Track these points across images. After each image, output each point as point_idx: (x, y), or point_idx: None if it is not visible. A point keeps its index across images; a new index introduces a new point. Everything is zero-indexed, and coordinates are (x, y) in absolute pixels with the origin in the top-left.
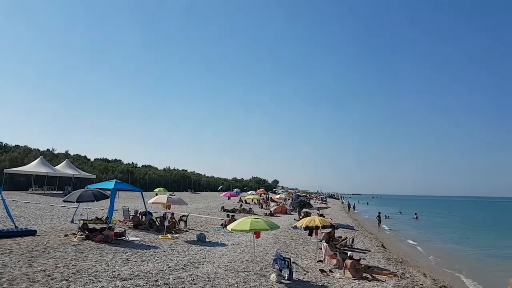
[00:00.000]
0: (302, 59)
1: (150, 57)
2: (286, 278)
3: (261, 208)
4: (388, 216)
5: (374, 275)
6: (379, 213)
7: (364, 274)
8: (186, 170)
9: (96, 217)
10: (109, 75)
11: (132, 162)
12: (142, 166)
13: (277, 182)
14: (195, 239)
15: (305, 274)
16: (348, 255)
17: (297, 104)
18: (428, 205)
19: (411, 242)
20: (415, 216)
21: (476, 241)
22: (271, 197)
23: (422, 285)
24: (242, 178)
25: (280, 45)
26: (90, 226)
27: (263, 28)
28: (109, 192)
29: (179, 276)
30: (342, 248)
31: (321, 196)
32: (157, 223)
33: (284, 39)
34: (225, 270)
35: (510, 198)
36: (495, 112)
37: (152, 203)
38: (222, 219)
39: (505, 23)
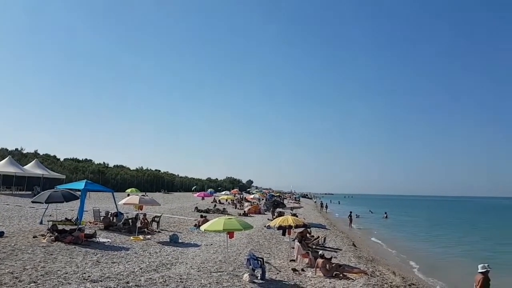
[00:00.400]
0: (278, 58)
1: (117, 54)
2: (259, 277)
3: (235, 208)
4: (359, 216)
5: (345, 273)
6: (351, 212)
7: (335, 273)
8: (159, 170)
9: (66, 218)
10: (76, 74)
11: (104, 162)
12: (114, 166)
13: (252, 182)
14: (168, 240)
15: (277, 273)
16: (320, 254)
17: (269, 104)
18: (401, 204)
19: (379, 241)
20: (385, 215)
21: (439, 238)
22: (245, 197)
23: (391, 283)
24: (217, 178)
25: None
26: (60, 227)
27: (229, 24)
28: (79, 193)
29: (150, 278)
30: (314, 247)
31: (294, 196)
32: (129, 223)
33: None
34: (198, 271)
35: (491, 197)
36: (478, 112)
37: (124, 204)
38: (195, 220)
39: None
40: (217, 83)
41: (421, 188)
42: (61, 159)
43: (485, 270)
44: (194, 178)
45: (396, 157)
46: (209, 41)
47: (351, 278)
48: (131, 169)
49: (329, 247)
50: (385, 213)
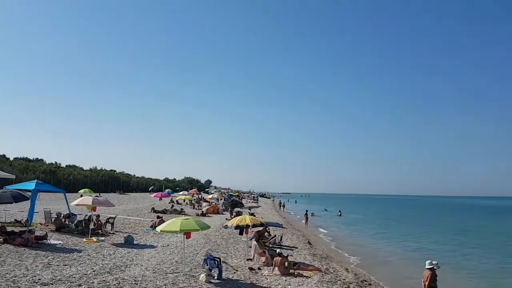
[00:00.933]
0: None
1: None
2: (215, 277)
3: (193, 208)
4: (314, 214)
5: (300, 271)
6: (307, 211)
7: (291, 271)
8: (115, 171)
9: (15, 220)
10: (28, 68)
11: (55, 162)
12: (66, 166)
13: (210, 182)
14: (123, 241)
15: (234, 273)
16: (278, 252)
17: (225, 103)
18: (356, 203)
19: (332, 238)
20: (339, 213)
21: (388, 234)
22: (203, 197)
23: (344, 279)
24: (174, 179)
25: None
26: (9, 229)
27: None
28: (30, 193)
29: (104, 280)
30: (271, 246)
31: (252, 195)
32: (82, 225)
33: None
34: (153, 273)
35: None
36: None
37: (77, 205)
38: (152, 221)
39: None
40: (172, 81)
41: (380, 188)
42: (11, 159)
43: (431, 266)
44: (151, 179)
45: (355, 156)
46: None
47: (306, 276)
48: (85, 169)
49: (285, 246)
50: (340, 211)
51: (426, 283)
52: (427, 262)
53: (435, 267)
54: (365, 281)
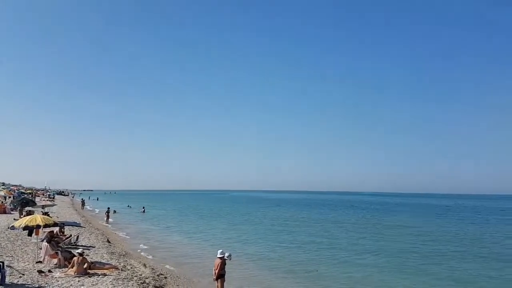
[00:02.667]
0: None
1: None
2: None
3: None
4: (116, 211)
5: (96, 270)
6: (108, 208)
7: (88, 270)
8: None
9: None
10: None
11: None
12: None
13: None
14: None
15: (20, 277)
16: (78, 252)
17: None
18: (162, 199)
19: (132, 234)
20: (143, 209)
21: (185, 229)
22: None
23: (141, 275)
24: None
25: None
26: None
27: None
28: None
29: None
30: (65, 247)
31: (48, 193)
32: None
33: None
34: None
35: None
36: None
37: None
38: None
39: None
40: None
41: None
42: None
43: (222, 255)
44: None
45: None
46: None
47: (102, 274)
48: None
49: (82, 245)
50: (143, 207)
51: (217, 271)
52: (219, 251)
53: (225, 257)
54: (162, 274)
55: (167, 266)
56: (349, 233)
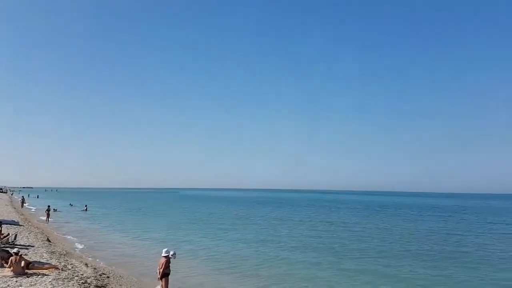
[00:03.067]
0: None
1: None
2: None
3: None
4: (56, 209)
5: (34, 270)
6: (49, 206)
7: (27, 270)
8: None
9: None
10: None
11: None
12: None
13: None
14: None
15: None
16: (14, 251)
17: None
18: (106, 197)
19: (73, 233)
20: (85, 208)
21: (127, 227)
22: None
23: (82, 274)
24: None
25: None
26: None
27: None
28: None
29: None
30: (3, 246)
31: None
32: None
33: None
34: None
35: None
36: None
37: None
38: None
39: None
40: None
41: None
42: None
43: (167, 254)
44: None
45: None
46: None
47: (41, 274)
48: None
49: (20, 245)
50: (85, 206)
51: (161, 269)
52: (164, 250)
53: (170, 256)
54: (104, 274)
55: (108, 266)
56: (293, 230)
